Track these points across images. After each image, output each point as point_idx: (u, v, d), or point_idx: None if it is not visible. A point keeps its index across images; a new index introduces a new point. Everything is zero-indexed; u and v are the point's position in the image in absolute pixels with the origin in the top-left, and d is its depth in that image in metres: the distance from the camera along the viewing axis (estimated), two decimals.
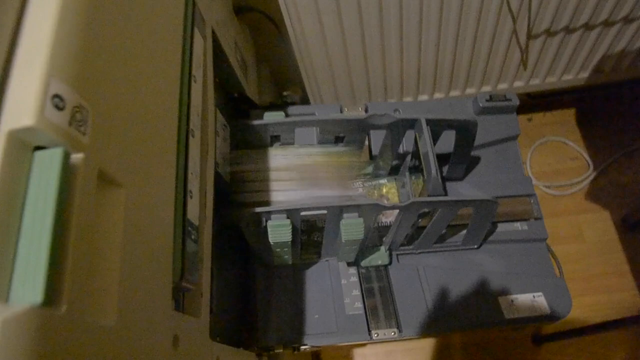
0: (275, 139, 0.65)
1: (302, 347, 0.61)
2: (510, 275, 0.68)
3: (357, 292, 0.66)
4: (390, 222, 0.69)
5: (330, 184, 0.66)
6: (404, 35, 0.83)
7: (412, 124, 0.59)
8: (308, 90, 0.90)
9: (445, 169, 0.72)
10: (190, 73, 0.47)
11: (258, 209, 0.53)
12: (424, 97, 0.96)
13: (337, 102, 0.94)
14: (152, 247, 0.34)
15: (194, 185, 0.44)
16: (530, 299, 0.66)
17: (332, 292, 0.66)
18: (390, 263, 0.68)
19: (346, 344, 0.63)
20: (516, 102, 0.76)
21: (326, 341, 0.63)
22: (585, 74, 0.93)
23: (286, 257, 0.59)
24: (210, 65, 0.56)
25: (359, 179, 0.72)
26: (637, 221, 0.99)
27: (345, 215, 0.55)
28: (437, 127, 0.60)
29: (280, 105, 0.76)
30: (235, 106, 0.76)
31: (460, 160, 0.70)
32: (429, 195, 0.57)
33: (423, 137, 0.56)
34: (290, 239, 0.54)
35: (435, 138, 0.63)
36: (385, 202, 0.62)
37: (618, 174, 1.03)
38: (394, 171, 0.71)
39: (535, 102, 1.02)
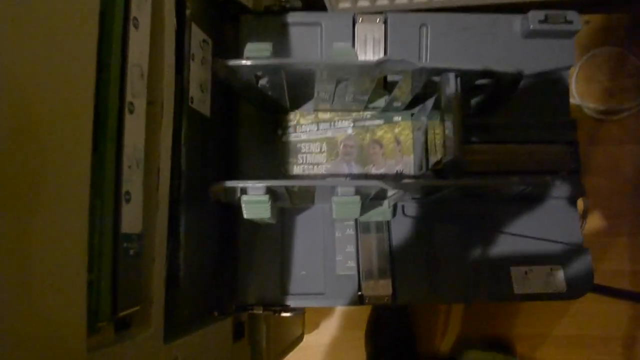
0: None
1: (284, 313, 0.55)
2: (530, 240, 0.60)
3: (351, 248, 0.58)
4: (401, 170, 0.59)
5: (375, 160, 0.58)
6: None
7: (435, 72, 0.45)
8: None
9: (475, 100, 0.59)
10: (127, 18, 0.34)
11: (229, 183, 0.43)
12: None
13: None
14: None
15: (133, 181, 0.34)
16: (546, 273, 0.58)
17: (323, 246, 0.58)
18: (393, 216, 0.59)
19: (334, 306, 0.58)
20: (578, 25, 0.59)
21: (312, 303, 0.57)
22: None
23: (268, 221, 0.51)
24: None
25: (368, 111, 0.60)
26: None
27: (339, 191, 0.44)
28: (470, 78, 0.47)
29: (277, 11, 0.60)
30: (221, 8, 0.60)
31: (493, 104, 0.57)
32: (443, 169, 0.46)
33: (448, 100, 0.43)
34: (269, 215, 0.45)
35: (465, 84, 0.50)
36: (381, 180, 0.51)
37: None
38: (412, 104, 0.59)
39: (595, 2, 0.82)
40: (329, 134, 0.59)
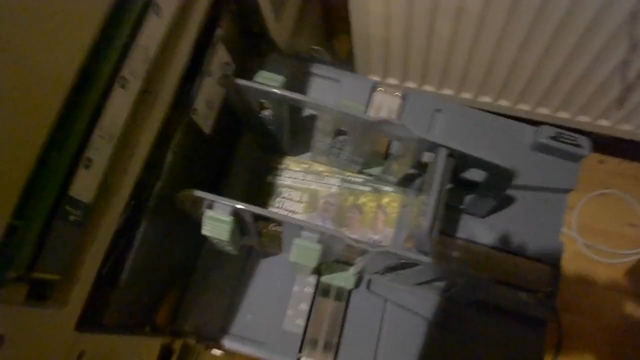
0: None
1: (215, 351, 0.52)
2: (489, 354, 0.56)
3: (305, 306, 0.56)
4: (379, 240, 0.57)
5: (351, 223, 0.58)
6: (484, 25, 0.66)
7: (432, 147, 0.46)
8: (355, 51, 0.75)
9: (467, 198, 0.59)
10: (150, 3, 0.35)
11: (199, 193, 0.42)
12: (485, 99, 0.80)
13: (382, 75, 0.79)
14: None
15: (99, 151, 0.33)
16: None
17: (277, 296, 0.56)
18: (356, 287, 0.57)
19: None
20: (587, 151, 0.60)
21: (247, 350, 0.54)
22: None
23: (228, 248, 0.49)
24: None
25: (361, 176, 0.60)
26: None
27: (303, 234, 0.43)
28: (464, 162, 0.47)
29: (306, 59, 0.63)
30: (254, 43, 0.63)
31: (485, 200, 0.56)
32: (414, 246, 0.45)
33: (435, 175, 0.43)
34: (227, 239, 0.43)
35: (459, 170, 0.50)
36: (351, 237, 0.50)
37: None
38: (405, 181, 0.59)
39: (614, 144, 0.84)
40: (314, 186, 0.59)
